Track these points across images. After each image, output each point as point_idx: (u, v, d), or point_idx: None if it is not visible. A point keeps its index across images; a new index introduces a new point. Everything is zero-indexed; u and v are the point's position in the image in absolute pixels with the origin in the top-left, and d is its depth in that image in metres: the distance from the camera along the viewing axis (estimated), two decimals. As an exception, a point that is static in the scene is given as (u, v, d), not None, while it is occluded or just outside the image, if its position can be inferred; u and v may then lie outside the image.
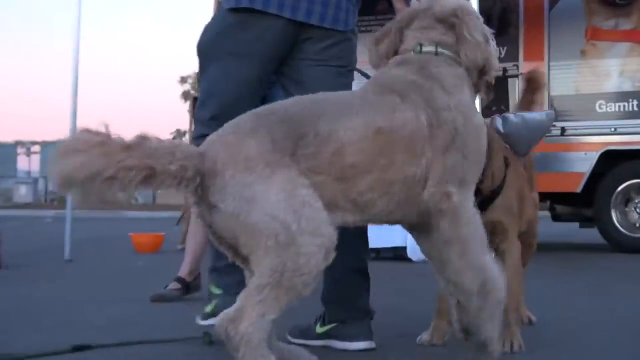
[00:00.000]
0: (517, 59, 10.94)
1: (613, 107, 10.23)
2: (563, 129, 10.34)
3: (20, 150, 41.20)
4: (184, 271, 5.54)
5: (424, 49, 3.14)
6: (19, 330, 3.98)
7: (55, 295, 5.76)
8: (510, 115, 3.78)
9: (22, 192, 39.37)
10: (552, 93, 10.66)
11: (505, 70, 10.92)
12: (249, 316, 2.59)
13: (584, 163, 10.13)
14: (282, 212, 2.60)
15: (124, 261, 8.79)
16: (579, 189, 10.13)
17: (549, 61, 10.65)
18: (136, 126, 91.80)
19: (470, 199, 2.95)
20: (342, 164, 2.77)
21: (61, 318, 4.62)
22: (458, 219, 2.87)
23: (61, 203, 25.22)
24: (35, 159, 40.70)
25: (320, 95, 3.03)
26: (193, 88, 47.67)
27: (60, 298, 5.58)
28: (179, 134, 46.67)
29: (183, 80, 49.97)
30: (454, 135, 2.91)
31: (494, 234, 3.48)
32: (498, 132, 3.64)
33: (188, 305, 5.08)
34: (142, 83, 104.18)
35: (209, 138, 2.80)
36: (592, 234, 11.03)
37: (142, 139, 2.58)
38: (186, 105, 40.86)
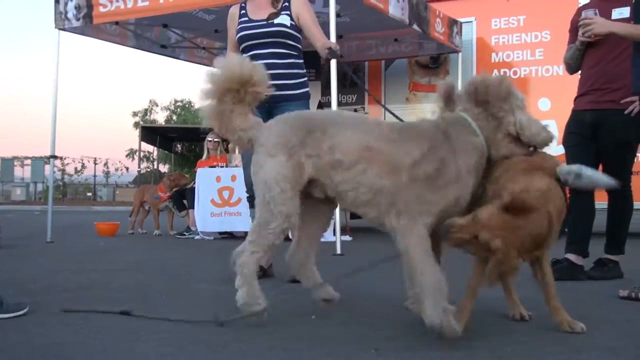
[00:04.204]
0: (363, 103, 11.11)
1: (427, 136, 10.51)
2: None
3: (16, 162, 39.88)
4: (262, 260, 5.09)
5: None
6: (11, 295, 3.80)
7: (39, 268, 5.54)
8: (585, 180, 2.90)
9: (18, 193, 38.29)
10: (387, 126, 10.88)
11: (356, 110, 11.06)
12: (245, 253, 2.99)
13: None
14: (270, 181, 2.92)
15: (90, 242, 8.55)
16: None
17: (385, 104, 10.85)
18: (103, 144, 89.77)
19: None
20: (334, 158, 2.87)
21: (43, 284, 4.44)
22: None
23: (45, 200, 24.54)
24: (27, 169, 39.58)
25: (344, 112, 3.17)
26: (141, 120, 46.73)
27: (43, 269, 5.38)
28: (132, 151, 45.69)
29: (134, 114, 48.87)
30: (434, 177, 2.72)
31: None
32: (565, 182, 2.88)
33: (145, 277, 4.95)
34: (105, 114, 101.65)
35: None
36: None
37: None
38: (136, 132, 40.04)
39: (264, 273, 4.79)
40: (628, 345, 2.72)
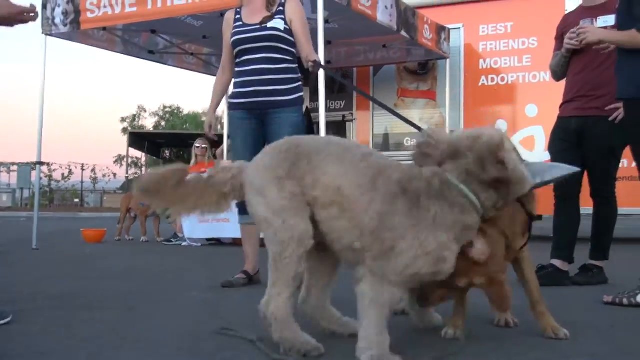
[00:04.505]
0: (352, 109, 11.13)
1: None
2: (383, 157, 10.58)
3: (2, 168, 39.65)
4: (249, 267, 4.84)
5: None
6: (-5, 302, 3.78)
7: (24, 275, 5.52)
8: (547, 180, 2.84)
9: (4, 199, 38.16)
10: (375, 132, 10.90)
11: (344, 116, 11.09)
12: (272, 299, 2.64)
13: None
14: (271, 214, 2.61)
15: (76, 249, 8.51)
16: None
17: (373, 111, 10.89)
18: (91, 150, 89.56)
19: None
20: (313, 194, 2.59)
21: (28, 292, 4.42)
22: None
23: (32, 206, 24.46)
24: (14, 175, 39.34)
25: (334, 140, 2.75)
26: (130, 126, 46.67)
27: (28, 277, 5.36)
28: (120, 158, 45.60)
29: (123, 120, 48.88)
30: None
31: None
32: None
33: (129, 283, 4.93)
34: (93, 120, 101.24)
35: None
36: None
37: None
38: (124, 138, 39.94)
39: (250, 279, 4.79)
40: (612, 351, 2.74)
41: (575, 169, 3.03)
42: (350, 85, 11.11)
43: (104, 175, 43.60)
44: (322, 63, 6.08)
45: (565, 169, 3.01)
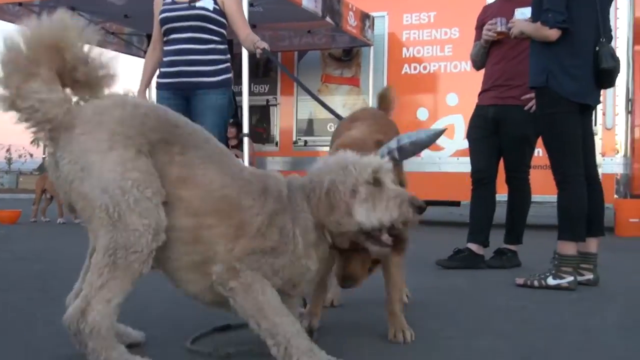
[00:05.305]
0: (276, 93, 11.09)
1: (338, 127, 10.57)
2: (305, 142, 10.61)
3: None
4: None
5: None
6: None
7: None
8: (405, 143, 2.68)
9: None
10: (299, 117, 10.90)
11: (268, 101, 11.05)
12: (94, 306, 1.93)
13: (319, 165, 10.40)
14: (112, 188, 1.91)
15: (-12, 231, 8.22)
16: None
17: (297, 96, 10.88)
18: (6, 130, 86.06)
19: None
20: (176, 192, 2.04)
21: None
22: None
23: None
24: None
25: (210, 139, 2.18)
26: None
27: None
28: (37, 138, 44.25)
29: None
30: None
31: None
32: (394, 159, 2.62)
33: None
34: None
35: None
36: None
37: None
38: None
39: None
40: (521, 329, 2.84)
41: (440, 130, 2.93)
42: (294, 78, 11.07)
43: (20, 156, 42.23)
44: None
45: (430, 130, 2.83)
